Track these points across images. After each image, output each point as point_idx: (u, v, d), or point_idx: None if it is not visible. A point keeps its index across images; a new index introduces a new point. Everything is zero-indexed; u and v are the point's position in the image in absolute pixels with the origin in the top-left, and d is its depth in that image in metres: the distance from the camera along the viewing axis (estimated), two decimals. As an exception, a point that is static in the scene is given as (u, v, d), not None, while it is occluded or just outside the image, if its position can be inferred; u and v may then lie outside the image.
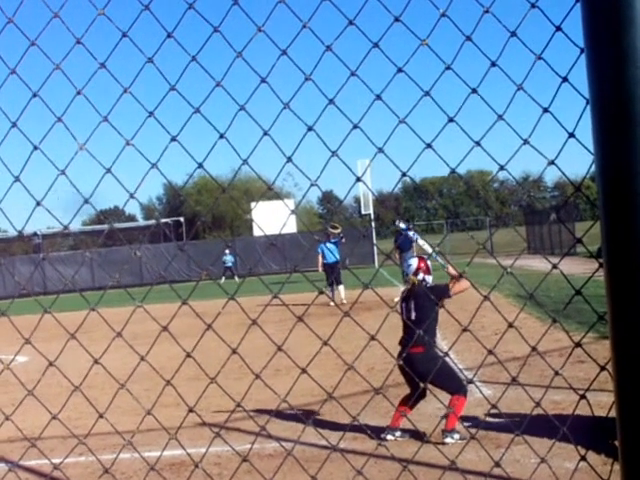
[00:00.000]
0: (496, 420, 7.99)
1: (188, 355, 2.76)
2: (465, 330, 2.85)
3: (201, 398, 3.38)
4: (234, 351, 2.73)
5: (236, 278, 40.97)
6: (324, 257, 23.62)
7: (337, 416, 8.84)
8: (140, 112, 2.57)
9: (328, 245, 23.54)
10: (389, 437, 8.00)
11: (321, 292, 2.82)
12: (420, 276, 8.44)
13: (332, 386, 3.33)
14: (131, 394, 3.21)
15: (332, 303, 21.32)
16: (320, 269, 23.81)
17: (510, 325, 2.87)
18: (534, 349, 2.98)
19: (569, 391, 3.26)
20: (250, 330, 2.82)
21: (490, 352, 2.94)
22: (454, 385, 7.85)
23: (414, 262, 8.58)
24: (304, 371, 2.66)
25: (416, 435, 7.94)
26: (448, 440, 7.74)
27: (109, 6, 2.43)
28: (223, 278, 38.88)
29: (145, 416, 3.04)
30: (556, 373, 2.96)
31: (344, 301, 22.13)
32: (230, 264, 41.81)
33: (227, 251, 41.90)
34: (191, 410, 2.86)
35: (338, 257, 23.57)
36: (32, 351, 3.03)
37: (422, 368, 7.46)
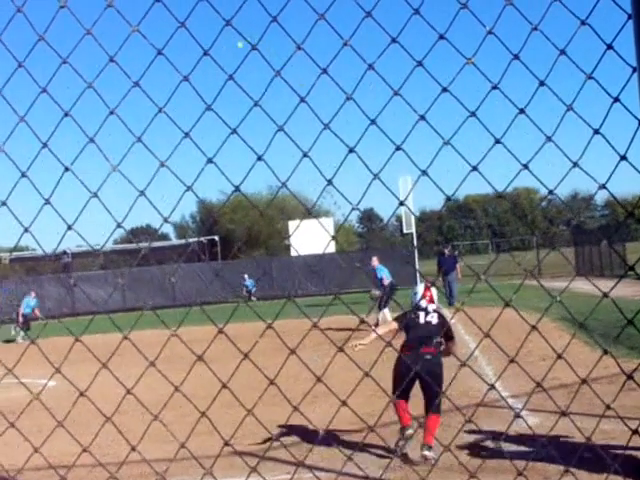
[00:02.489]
0: (544, 451, 7.74)
1: (224, 386, 2.66)
2: (512, 361, 2.73)
3: (234, 425, 3.28)
4: (272, 382, 2.63)
5: (254, 299, 40.29)
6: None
7: (377, 445, 8.62)
8: (174, 131, 2.50)
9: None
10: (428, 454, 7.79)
11: (362, 321, 2.72)
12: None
13: (370, 413, 3.21)
14: (163, 424, 3.12)
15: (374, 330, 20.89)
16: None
17: (559, 356, 2.75)
18: (584, 382, 2.85)
19: (618, 420, 3.12)
20: (284, 354, 2.72)
21: (538, 385, 2.82)
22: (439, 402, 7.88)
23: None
24: (344, 404, 2.55)
25: (455, 463, 7.73)
26: (426, 452, 7.66)
27: (143, 23, 2.36)
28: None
29: (180, 448, 2.94)
30: (607, 407, 2.82)
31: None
32: (251, 289, 41.79)
33: (246, 276, 41.88)
34: (227, 444, 2.76)
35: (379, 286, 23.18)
36: (61, 375, 2.96)
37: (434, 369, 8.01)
